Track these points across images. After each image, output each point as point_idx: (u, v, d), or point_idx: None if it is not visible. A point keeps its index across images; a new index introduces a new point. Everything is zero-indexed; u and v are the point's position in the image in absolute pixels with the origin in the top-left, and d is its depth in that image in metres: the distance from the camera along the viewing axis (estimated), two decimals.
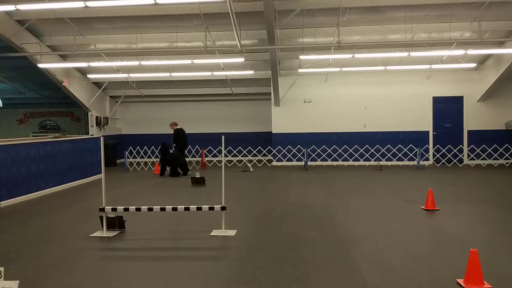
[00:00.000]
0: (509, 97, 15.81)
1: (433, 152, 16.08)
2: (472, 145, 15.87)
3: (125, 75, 15.62)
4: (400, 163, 16.14)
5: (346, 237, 6.48)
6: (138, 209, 6.82)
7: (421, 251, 5.77)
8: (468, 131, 16.06)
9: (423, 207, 8.37)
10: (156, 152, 16.04)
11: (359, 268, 5.12)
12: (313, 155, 16.46)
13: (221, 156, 15.21)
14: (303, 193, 10.47)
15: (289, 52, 14.95)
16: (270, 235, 6.68)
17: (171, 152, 14.25)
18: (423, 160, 15.85)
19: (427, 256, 5.53)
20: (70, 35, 12.57)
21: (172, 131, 14.50)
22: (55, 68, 14.40)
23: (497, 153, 15.65)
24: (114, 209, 6.82)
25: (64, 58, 15.11)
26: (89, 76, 16.29)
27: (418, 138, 16.14)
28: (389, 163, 16.11)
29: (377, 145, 16.19)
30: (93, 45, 13.81)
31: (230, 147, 17.88)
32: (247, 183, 12.29)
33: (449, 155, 15.82)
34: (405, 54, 12.26)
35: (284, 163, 16.68)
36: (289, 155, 16.64)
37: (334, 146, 16.41)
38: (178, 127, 14.43)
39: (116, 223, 6.96)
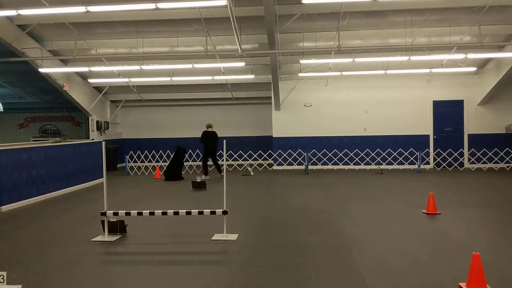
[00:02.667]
0: (510, 101, 15.82)
1: (433, 156, 16.08)
2: (472, 149, 15.87)
3: (126, 79, 15.65)
4: (400, 167, 16.13)
5: (348, 241, 6.48)
6: (139, 213, 6.83)
7: (423, 255, 5.76)
8: (469, 134, 16.06)
9: (424, 211, 8.36)
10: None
11: (361, 272, 5.11)
12: (314, 159, 16.46)
13: (222, 160, 15.14)
14: (304, 197, 10.47)
15: (290, 56, 14.98)
16: (271, 239, 6.68)
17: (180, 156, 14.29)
18: (423, 164, 15.84)
19: (429, 260, 5.53)
20: (71, 40, 12.59)
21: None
22: (56, 73, 14.43)
23: (498, 156, 15.65)
24: (115, 213, 6.81)
25: (65, 62, 15.13)
26: (90, 80, 16.33)
27: (419, 142, 16.14)
28: (389, 167, 16.11)
29: (378, 149, 16.19)
30: (94, 49, 13.84)
31: (230, 151, 17.86)
32: (248, 187, 12.28)
33: (450, 159, 15.82)
34: (405, 58, 12.31)
35: (285, 167, 16.67)
36: (290, 159, 16.63)
37: (335, 150, 16.41)
38: (210, 129, 14.34)
39: (117, 228, 6.95)
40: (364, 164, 16.31)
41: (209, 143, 14.15)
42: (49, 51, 13.76)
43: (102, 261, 5.85)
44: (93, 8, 8.57)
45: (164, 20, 12.19)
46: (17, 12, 8.83)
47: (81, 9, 8.46)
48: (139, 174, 15.64)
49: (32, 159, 10.40)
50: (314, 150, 16.46)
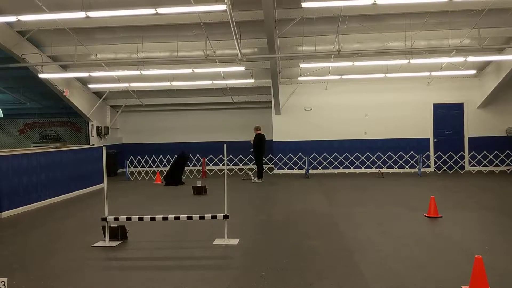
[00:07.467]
0: (510, 103, 15.84)
1: (434, 159, 16.06)
2: (473, 152, 15.86)
3: (126, 84, 15.66)
4: (401, 170, 16.12)
5: (349, 244, 6.45)
6: (140, 219, 6.80)
7: (425, 258, 5.74)
8: (469, 137, 16.06)
9: (425, 214, 8.34)
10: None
11: (363, 276, 5.09)
12: (314, 163, 16.44)
13: (222, 165, 15.12)
14: (305, 201, 10.45)
15: (289, 60, 15.00)
16: (273, 244, 6.65)
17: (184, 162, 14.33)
18: (424, 167, 15.83)
19: (431, 263, 5.50)
20: (71, 45, 12.61)
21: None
22: (55, 78, 14.45)
23: (498, 159, 15.63)
24: (116, 219, 6.79)
25: (64, 68, 15.15)
26: (90, 86, 16.34)
27: (419, 145, 16.14)
28: (390, 170, 16.09)
29: (378, 153, 16.18)
30: (94, 55, 13.86)
31: (231, 156, 17.86)
32: (248, 191, 12.26)
33: (450, 162, 15.80)
34: (405, 61, 12.31)
35: (285, 171, 16.65)
36: (290, 163, 16.62)
37: (335, 153, 16.40)
38: (260, 132, 14.44)
39: (118, 233, 6.94)
40: (365, 168, 16.29)
41: (263, 146, 14.37)
42: (49, 57, 13.78)
43: (103, 266, 5.83)
44: (93, 14, 8.59)
45: (164, 25, 12.22)
46: (17, 18, 8.85)
47: (81, 14, 8.47)
48: (139, 179, 15.62)
49: (32, 165, 10.38)
50: (314, 154, 16.44)
